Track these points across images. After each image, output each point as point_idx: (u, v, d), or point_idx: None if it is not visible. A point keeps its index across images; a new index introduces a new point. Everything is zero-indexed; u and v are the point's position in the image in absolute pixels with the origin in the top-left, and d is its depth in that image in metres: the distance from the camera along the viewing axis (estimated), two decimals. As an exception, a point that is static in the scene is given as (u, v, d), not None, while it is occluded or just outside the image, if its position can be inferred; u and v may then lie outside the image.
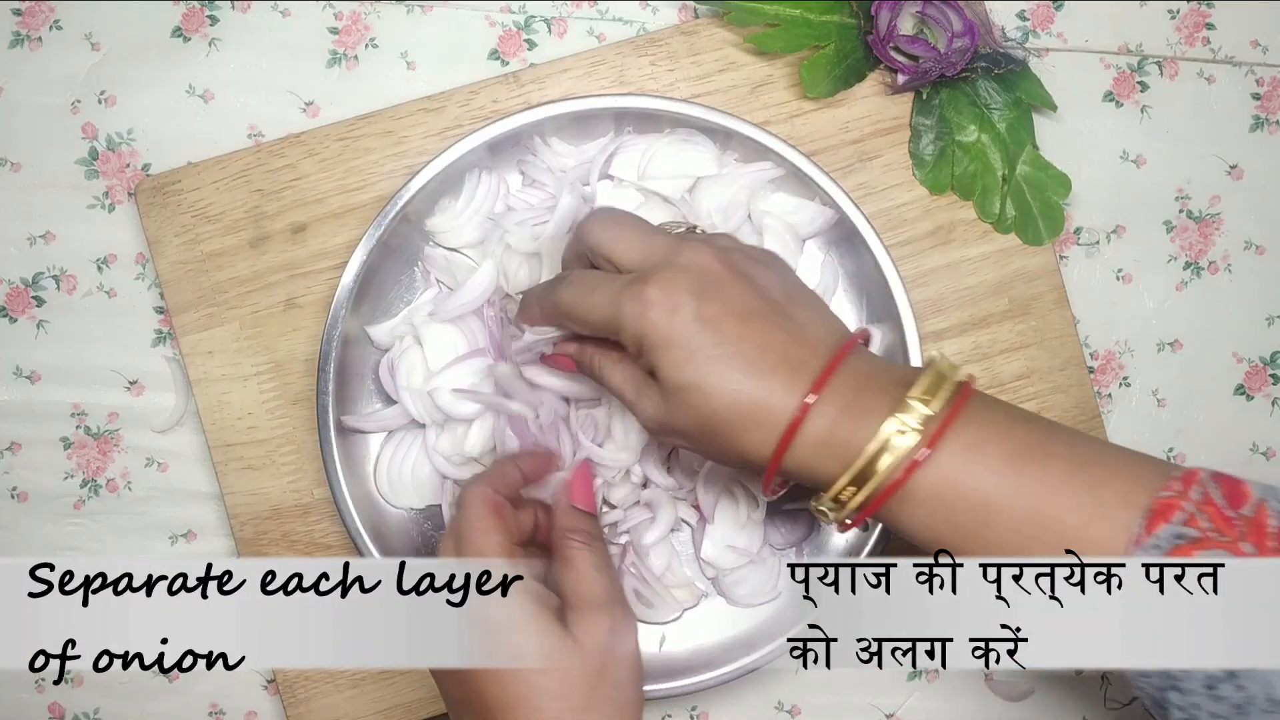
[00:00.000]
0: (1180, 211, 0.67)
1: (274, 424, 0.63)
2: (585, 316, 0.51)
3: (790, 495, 0.63)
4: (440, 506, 0.63)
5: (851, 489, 0.47)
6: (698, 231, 0.54)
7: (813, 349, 0.48)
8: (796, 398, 0.47)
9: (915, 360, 0.60)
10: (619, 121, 0.62)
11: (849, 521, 0.48)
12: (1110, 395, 0.67)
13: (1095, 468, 0.46)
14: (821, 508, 0.49)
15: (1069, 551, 0.45)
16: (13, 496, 0.65)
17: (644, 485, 0.62)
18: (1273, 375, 0.68)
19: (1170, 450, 0.67)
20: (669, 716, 0.67)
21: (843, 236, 0.62)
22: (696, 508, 0.63)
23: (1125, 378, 0.67)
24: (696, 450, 0.51)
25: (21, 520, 0.65)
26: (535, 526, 0.55)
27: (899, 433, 0.46)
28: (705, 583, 0.63)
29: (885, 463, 0.46)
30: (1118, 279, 0.67)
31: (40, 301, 0.66)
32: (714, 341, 0.47)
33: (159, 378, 0.66)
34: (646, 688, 0.59)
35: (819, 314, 0.50)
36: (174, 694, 0.65)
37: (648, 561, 0.62)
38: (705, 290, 0.48)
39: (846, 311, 0.64)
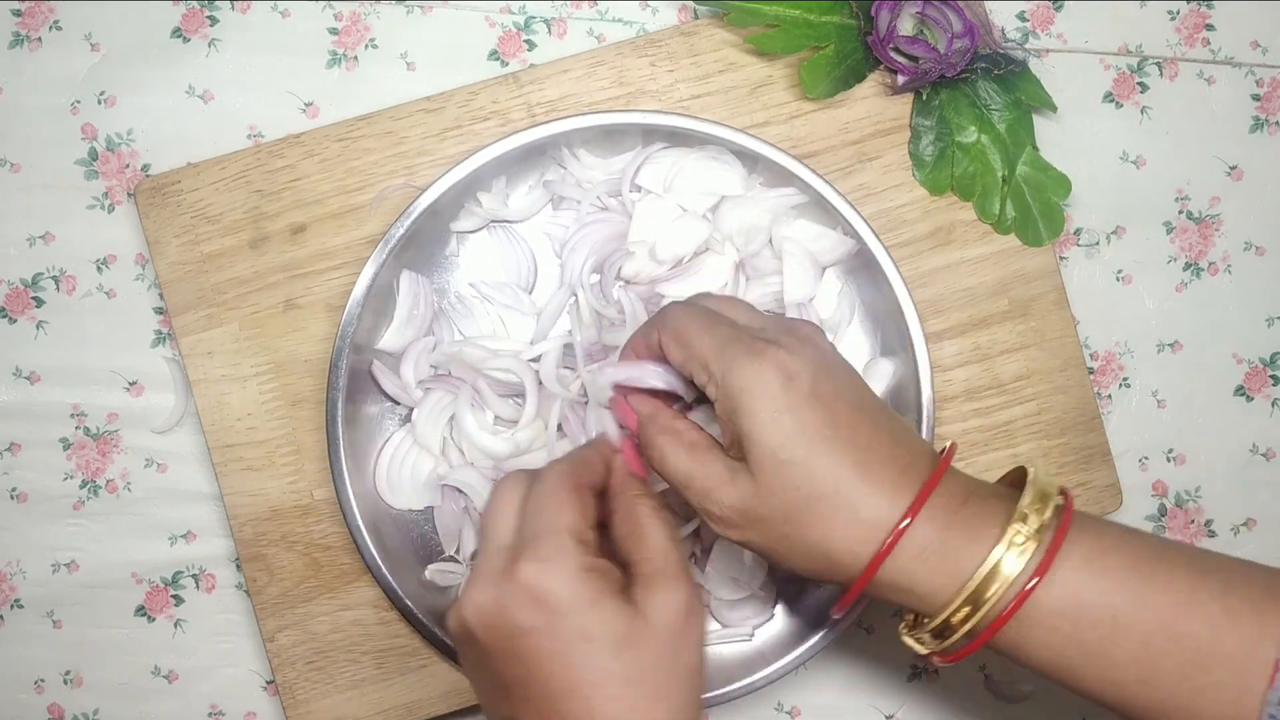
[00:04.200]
0: (1180, 212, 0.67)
1: (274, 425, 0.63)
2: (693, 341, 0.47)
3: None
4: (432, 509, 0.63)
5: (963, 612, 0.45)
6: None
7: (917, 454, 0.47)
8: (903, 502, 0.45)
9: (925, 390, 0.60)
10: (647, 136, 0.62)
11: (952, 653, 0.46)
12: (1110, 396, 0.67)
13: (1215, 574, 0.45)
14: (917, 637, 0.47)
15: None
16: (12, 497, 0.65)
17: None
18: (1272, 376, 0.68)
19: (1170, 451, 0.67)
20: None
21: (861, 266, 0.62)
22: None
23: (1125, 379, 0.67)
24: (771, 550, 0.47)
25: (21, 521, 0.65)
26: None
27: (1015, 548, 0.44)
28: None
29: (1001, 581, 0.44)
30: (1118, 280, 0.67)
31: (40, 302, 0.66)
32: (825, 420, 0.45)
33: (158, 378, 0.66)
34: None
35: (909, 426, 0.49)
36: (174, 695, 0.65)
37: None
38: (822, 367, 0.46)
39: (860, 343, 0.64)
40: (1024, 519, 0.45)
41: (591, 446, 0.50)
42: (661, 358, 0.50)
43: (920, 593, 0.45)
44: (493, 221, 0.63)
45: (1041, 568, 0.44)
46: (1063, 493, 0.47)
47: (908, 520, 0.44)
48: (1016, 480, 0.48)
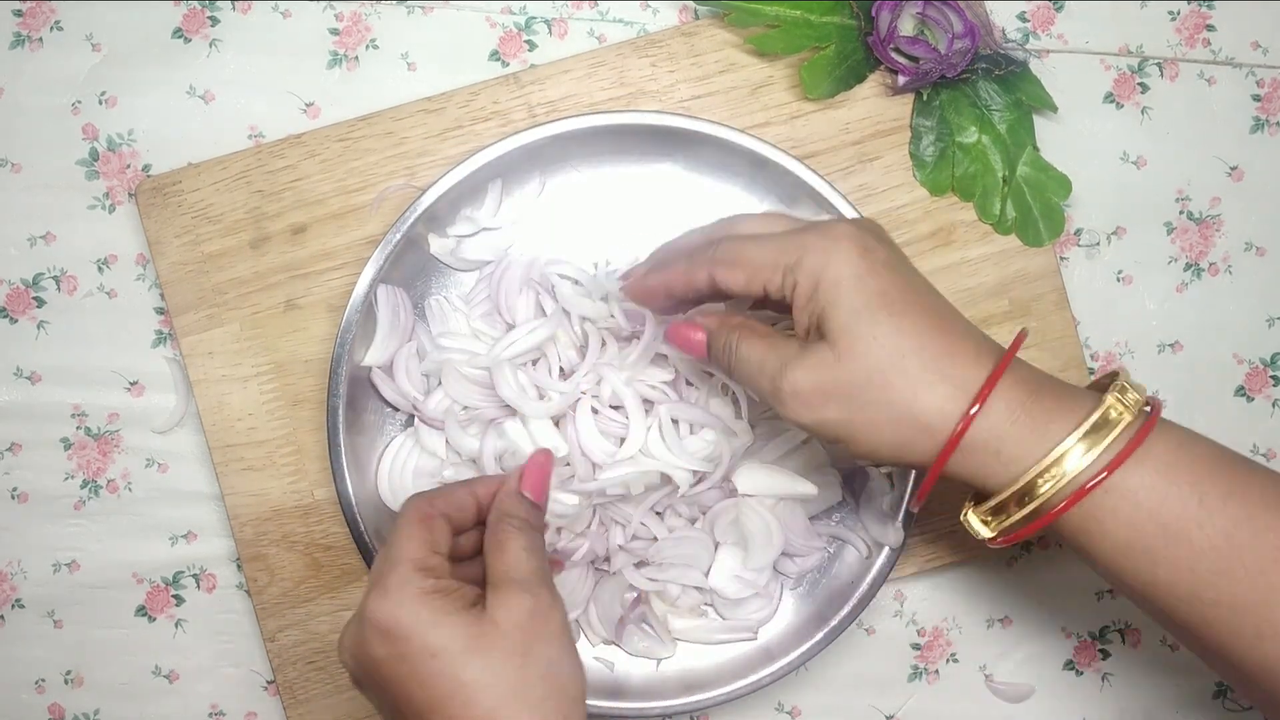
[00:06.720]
0: (1180, 213, 0.67)
1: (274, 425, 0.63)
2: (753, 256, 0.48)
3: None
4: None
5: (1050, 476, 0.45)
6: None
7: (985, 337, 0.48)
8: (987, 365, 0.46)
9: None
10: (656, 139, 0.62)
11: (1019, 529, 0.47)
12: (1110, 396, 0.67)
13: None
14: (978, 517, 0.48)
15: None
16: (13, 497, 0.65)
17: (660, 516, 0.62)
18: (1273, 377, 0.68)
19: (1170, 451, 0.67)
20: (669, 718, 0.67)
21: None
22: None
23: (1125, 379, 0.67)
24: (850, 424, 0.46)
25: (21, 521, 0.65)
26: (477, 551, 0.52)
27: (1110, 422, 0.45)
28: (706, 606, 0.63)
29: (1090, 453, 0.45)
30: (1118, 280, 0.67)
31: (41, 302, 0.66)
32: (904, 287, 0.46)
33: (159, 378, 0.66)
34: (655, 704, 0.59)
35: None
36: (174, 695, 0.65)
37: (666, 588, 0.61)
38: (890, 245, 0.48)
39: None
40: (1122, 391, 0.46)
41: (463, 483, 0.52)
42: (702, 294, 0.51)
43: (1008, 455, 0.45)
44: (482, 229, 0.63)
45: (1135, 442, 0.45)
46: (1153, 400, 0.47)
47: (977, 405, 0.45)
48: (1101, 386, 0.49)
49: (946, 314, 0.47)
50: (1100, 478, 0.45)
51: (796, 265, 0.47)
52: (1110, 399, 0.46)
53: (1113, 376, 0.48)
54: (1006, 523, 0.47)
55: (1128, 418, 0.46)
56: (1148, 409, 0.47)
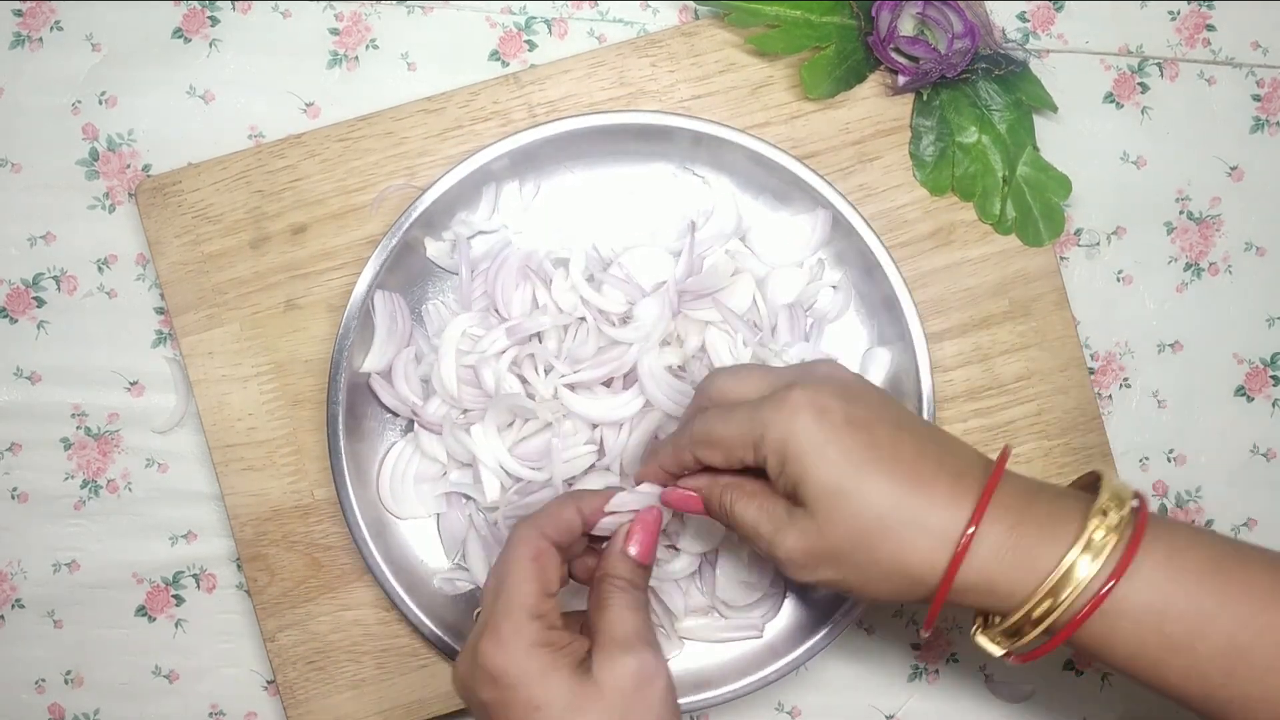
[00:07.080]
0: (1180, 213, 0.67)
1: (274, 425, 0.63)
2: (722, 435, 0.49)
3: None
4: (436, 516, 0.63)
5: (1043, 608, 0.45)
6: None
7: (968, 461, 0.47)
8: (966, 506, 0.46)
9: (926, 386, 0.60)
10: (651, 138, 0.62)
11: (1029, 651, 0.47)
12: (1110, 396, 0.67)
13: None
14: (988, 639, 0.48)
15: None
16: (13, 497, 0.65)
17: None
18: (1273, 377, 0.68)
19: (1171, 451, 0.67)
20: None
21: (857, 260, 0.63)
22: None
23: (1125, 379, 0.67)
24: (846, 582, 0.48)
25: (22, 521, 0.65)
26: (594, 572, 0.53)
27: (1095, 544, 0.45)
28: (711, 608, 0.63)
29: (1081, 577, 0.45)
30: (1118, 280, 0.67)
31: (41, 302, 0.66)
32: (867, 444, 0.46)
33: (159, 378, 0.66)
34: None
35: (952, 436, 0.49)
36: (174, 695, 0.65)
37: (671, 600, 0.61)
38: (851, 396, 0.48)
39: (858, 332, 0.64)
40: (1103, 513, 0.45)
41: (566, 500, 0.52)
42: (700, 468, 0.51)
43: (1001, 592, 0.46)
44: (479, 232, 0.63)
45: (1123, 564, 0.45)
46: (1136, 495, 0.47)
47: (972, 528, 0.45)
48: (1084, 485, 0.49)
49: (914, 454, 0.47)
50: (1109, 586, 0.45)
51: (761, 441, 0.47)
52: (1091, 525, 0.45)
53: (1095, 476, 0.48)
54: (1022, 641, 0.47)
55: (1111, 542, 0.45)
56: (1135, 504, 0.46)
